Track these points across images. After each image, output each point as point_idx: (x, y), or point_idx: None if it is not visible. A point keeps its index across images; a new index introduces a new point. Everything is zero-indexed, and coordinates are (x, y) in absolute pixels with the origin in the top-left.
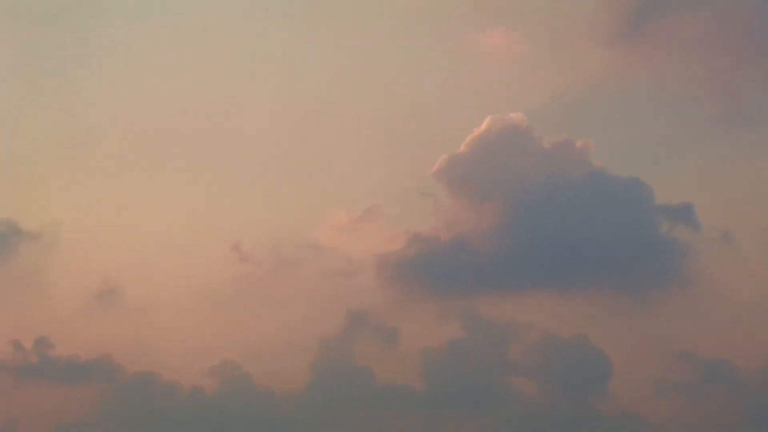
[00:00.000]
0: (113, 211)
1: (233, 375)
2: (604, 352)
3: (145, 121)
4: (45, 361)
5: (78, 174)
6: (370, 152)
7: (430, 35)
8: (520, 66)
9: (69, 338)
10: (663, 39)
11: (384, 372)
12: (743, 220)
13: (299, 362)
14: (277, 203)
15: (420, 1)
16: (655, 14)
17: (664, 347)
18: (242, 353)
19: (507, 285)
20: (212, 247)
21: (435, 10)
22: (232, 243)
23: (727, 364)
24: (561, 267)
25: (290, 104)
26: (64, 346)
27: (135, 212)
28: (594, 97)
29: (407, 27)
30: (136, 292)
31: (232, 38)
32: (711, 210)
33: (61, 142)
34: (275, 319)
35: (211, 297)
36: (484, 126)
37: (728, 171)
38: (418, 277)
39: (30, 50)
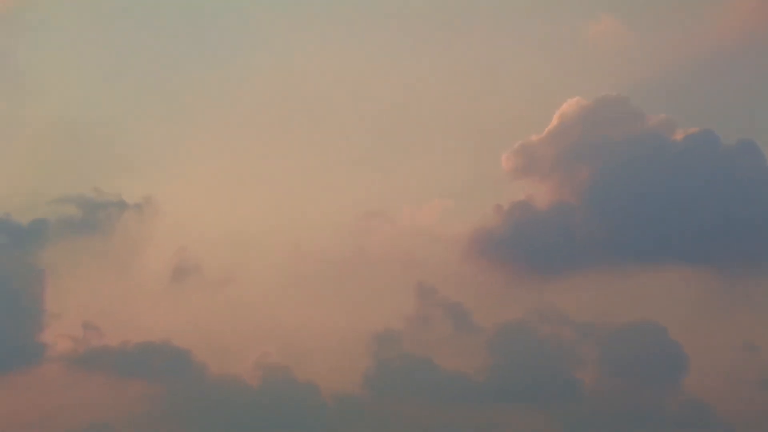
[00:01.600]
0: (210, 187)
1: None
2: (680, 344)
3: (244, 98)
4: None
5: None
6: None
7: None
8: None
9: (138, 322)
10: None
11: (447, 362)
12: None
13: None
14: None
15: None
16: None
17: (741, 339)
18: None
19: (583, 267)
20: (301, 228)
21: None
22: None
23: None
24: (645, 250)
25: (391, 88)
26: (133, 331)
27: (231, 190)
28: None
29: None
30: (217, 271)
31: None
32: None
33: (164, 116)
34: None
35: (292, 277)
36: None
37: None
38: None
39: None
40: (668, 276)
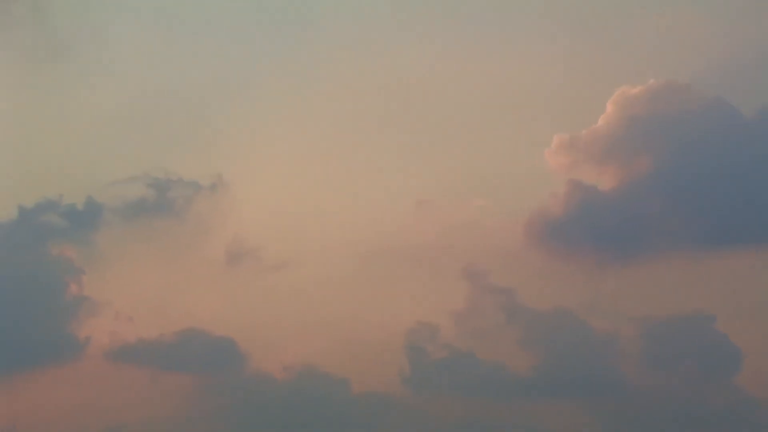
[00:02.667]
0: (275, 171)
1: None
2: (731, 337)
3: (318, 85)
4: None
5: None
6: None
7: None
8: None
9: (185, 311)
10: None
11: (490, 355)
12: None
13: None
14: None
15: None
16: None
17: None
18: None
19: (639, 256)
20: (358, 216)
21: None
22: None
23: None
24: (705, 237)
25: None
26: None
27: (296, 174)
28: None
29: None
30: (273, 256)
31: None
32: None
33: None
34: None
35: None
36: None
37: None
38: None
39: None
40: (729, 264)
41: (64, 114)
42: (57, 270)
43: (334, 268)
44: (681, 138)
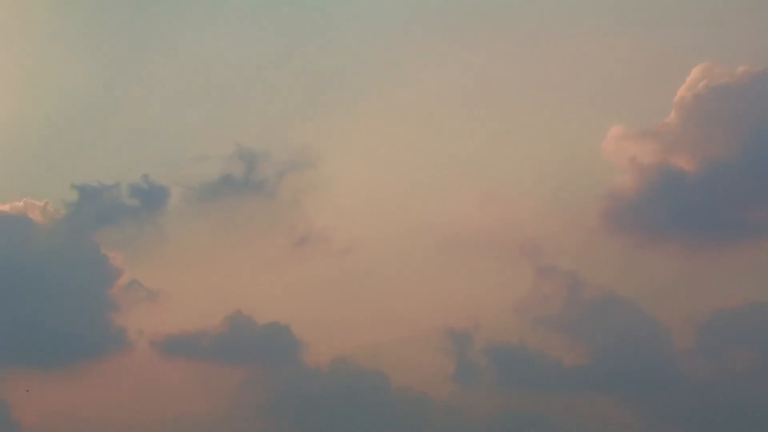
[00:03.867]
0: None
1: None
2: None
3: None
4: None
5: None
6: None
7: None
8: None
9: (246, 298)
10: None
11: (542, 348)
12: None
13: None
14: None
15: None
16: None
17: None
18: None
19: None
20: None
21: None
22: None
23: None
24: None
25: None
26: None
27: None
28: None
29: None
30: (342, 240)
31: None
32: None
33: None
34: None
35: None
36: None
37: None
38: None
39: None
40: None
41: (148, 90)
42: (112, 255)
43: (398, 254)
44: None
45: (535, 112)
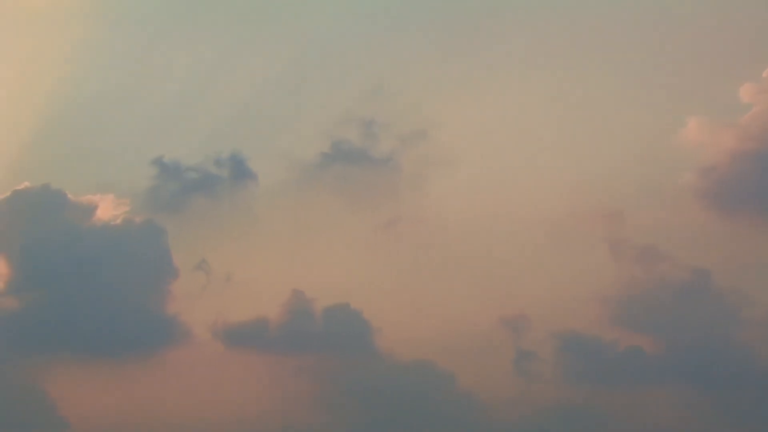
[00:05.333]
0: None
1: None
2: None
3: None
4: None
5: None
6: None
7: None
8: None
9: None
10: None
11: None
12: None
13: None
14: None
15: None
16: None
17: None
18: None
19: None
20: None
21: None
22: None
23: None
24: None
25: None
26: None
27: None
28: None
29: None
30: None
31: None
32: None
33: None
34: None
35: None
36: None
37: None
38: None
39: None
40: None
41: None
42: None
43: (486, 238)
44: None
45: (622, 102)
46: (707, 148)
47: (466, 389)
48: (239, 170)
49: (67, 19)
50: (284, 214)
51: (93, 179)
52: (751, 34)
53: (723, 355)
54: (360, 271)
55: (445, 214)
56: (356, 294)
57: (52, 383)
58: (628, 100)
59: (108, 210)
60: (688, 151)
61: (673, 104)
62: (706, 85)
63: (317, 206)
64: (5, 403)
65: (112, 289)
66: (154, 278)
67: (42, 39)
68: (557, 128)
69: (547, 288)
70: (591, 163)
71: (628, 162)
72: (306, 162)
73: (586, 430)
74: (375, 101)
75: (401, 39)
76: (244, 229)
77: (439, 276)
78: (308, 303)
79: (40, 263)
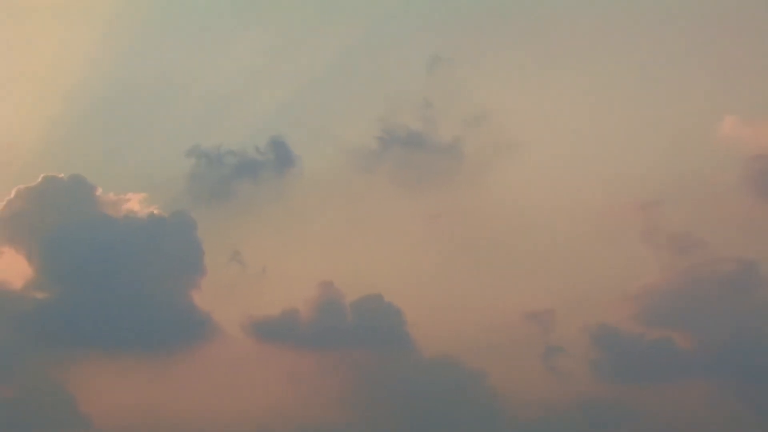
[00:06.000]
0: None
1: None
2: None
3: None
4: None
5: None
6: None
7: None
8: None
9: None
10: None
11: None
12: None
13: None
14: None
15: None
16: None
17: None
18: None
19: None
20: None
21: None
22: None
23: None
24: None
25: None
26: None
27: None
28: None
29: None
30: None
31: None
32: None
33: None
34: None
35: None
36: None
37: None
38: None
39: None
40: None
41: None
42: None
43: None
44: None
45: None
46: (746, 141)
47: (494, 385)
48: (281, 157)
49: (105, 8)
50: (327, 202)
51: (125, 170)
52: None
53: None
54: (398, 262)
55: (490, 207)
56: (391, 286)
57: (75, 379)
58: (671, 96)
59: (139, 201)
60: (728, 145)
61: (711, 101)
62: (742, 82)
63: (364, 194)
64: (28, 400)
65: (140, 282)
66: (184, 272)
67: (76, 26)
68: (603, 121)
69: (582, 281)
70: (631, 155)
71: (669, 155)
72: (356, 147)
73: (617, 425)
74: (432, 83)
75: (461, 20)
76: (282, 219)
77: (477, 269)
78: (342, 296)
79: (67, 256)
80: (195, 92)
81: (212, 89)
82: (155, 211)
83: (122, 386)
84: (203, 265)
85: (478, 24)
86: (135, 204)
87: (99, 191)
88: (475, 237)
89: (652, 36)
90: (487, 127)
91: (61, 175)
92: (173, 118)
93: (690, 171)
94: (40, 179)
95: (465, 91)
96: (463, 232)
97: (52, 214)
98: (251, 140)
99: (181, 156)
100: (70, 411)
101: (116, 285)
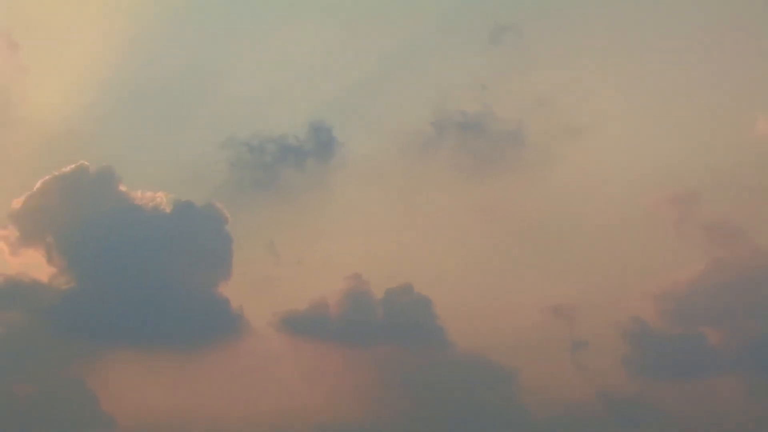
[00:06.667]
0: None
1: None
2: None
3: None
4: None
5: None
6: None
7: None
8: None
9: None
10: None
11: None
12: None
13: None
14: None
15: None
16: None
17: None
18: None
19: None
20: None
21: None
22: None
23: None
24: None
25: None
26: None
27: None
28: None
29: None
30: None
31: None
32: None
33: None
34: None
35: None
36: None
37: None
38: None
39: None
40: None
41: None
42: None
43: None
44: None
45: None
46: None
47: (525, 381)
48: (324, 144)
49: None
50: (372, 190)
51: (156, 161)
52: None
53: None
54: (434, 253)
55: (545, 197)
56: (423, 277)
57: (98, 377)
58: (713, 90)
59: (169, 193)
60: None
61: (750, 97)
62: None
63: (413, 182)
64: (49, 397)
65: (168, 276)
66: (214, 265)
67: (114, 15)
68: (651, 112)
69: (614, 275)
70: (672, 149)
71: (708, 148)
72: (408, 133)
73: (649, 421)
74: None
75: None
76: (321, 208)
77: (514, 261)
78: (374, 287)
79: (94, 248)
80: (233, 84)
81: (254, 80)
82: (186, 203)
83: (147, 383)
84: (233, 258)
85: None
86: (165, 196)
87: (127, 183)
88: (521, 228)
89: (707, 33)
90: (550, 111)
91: (90, 165)
92: (207, 109)
93: (728, 164)
94: (68, 169)
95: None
96: (510, 222)
97: (79, 205)
98: (292, 129)
99: (215, 147)
100: (93, 409)
101: (143, 279)
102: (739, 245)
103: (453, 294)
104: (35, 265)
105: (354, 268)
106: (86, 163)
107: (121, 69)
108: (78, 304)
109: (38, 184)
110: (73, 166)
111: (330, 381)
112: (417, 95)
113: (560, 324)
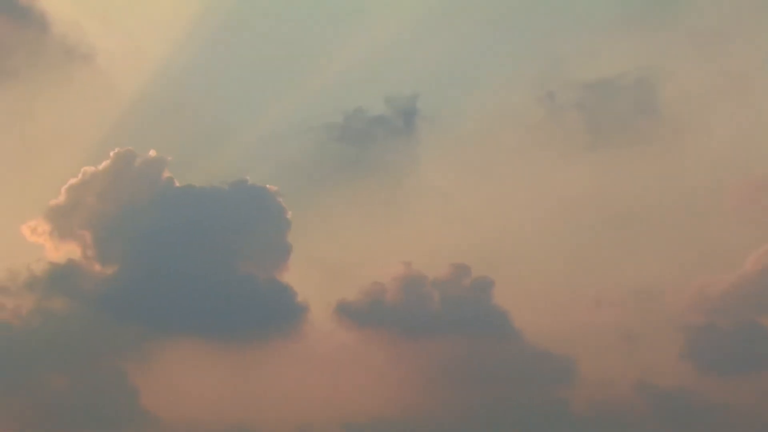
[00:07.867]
0: None
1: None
2: None
3: None
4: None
5: None
6: None
7: None
8: None
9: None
10: None
11: None
12: None
13: None
14: None
15: None
16: None
17: None
18: None
19: None
20: None
21: None
22: None
23: None
24: None
25: None
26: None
27: None
28: None
29: None
30: None
31: None
32: None
33: None
34: None
35: None
36: None
37: None
38: None
39: None
40: None
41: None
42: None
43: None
44: None
45: None
46: None
47: (585, 373)
48: (408, 121)
49: None
50: (460, 167)
51: (209, 148)
52: None
53: None
54: (512, 237)
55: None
56: (488, 259)
57: (140, 370)
58: None
59: (217, 175)
60: None
61: None
62: None
63: (515, 159)
64: (86, 390)
65: (219, 262)
66: (271, 251)
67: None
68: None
69: (686, 261)
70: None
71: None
72: (513, 109)
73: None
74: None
75: None
76: (396, 189)
77: (591, 246)
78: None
79: (144, 234)
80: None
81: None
82: (237, 185)
83: (193, 376)
84: (289, 245)
85: None
86: (215, 176)
87: (176, 166)
88: (615, 213)
89: None
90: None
91: (142, 149)
92: (271, 92)
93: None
94: (112, 154)
95: None
96: (606, 205)
97: (131, 189)
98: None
99: (275, 131)
100: (133, 405)
101: (194, 265)
102: None
103: (521, 280)
104: (81, 252)
105: (455, 253)
106: (131, 148)
107: (168, 56)
108: (124, 292)
109: (88, 170)
110: (117, 149)
111: (388, 373)
112: (526, 65)
113: (616, 313)
